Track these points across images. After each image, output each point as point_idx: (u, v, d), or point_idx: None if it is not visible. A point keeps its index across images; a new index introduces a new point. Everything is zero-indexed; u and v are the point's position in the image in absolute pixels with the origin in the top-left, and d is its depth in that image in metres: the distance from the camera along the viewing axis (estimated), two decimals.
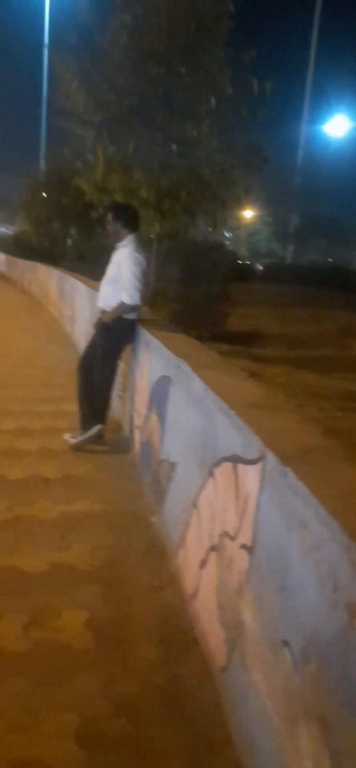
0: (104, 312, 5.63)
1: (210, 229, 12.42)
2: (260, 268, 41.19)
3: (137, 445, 5.24)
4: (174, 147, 11.01)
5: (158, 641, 2.97)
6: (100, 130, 11.19)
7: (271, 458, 2.25)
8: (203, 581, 3.01)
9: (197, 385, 3.46)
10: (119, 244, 5.61)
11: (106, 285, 5.66)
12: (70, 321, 12.05)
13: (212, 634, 2.76)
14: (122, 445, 5.71)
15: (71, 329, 11.88)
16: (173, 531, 3.73)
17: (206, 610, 2.91)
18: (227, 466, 2.77)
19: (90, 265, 16.21)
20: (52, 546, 3.79)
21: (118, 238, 5.59)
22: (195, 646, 2.91)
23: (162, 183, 10.83)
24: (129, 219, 5.60)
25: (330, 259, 47.52)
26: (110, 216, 5.61)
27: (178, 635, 3.00)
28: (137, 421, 5.34)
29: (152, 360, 4.93)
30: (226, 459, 2.80)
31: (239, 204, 12.11)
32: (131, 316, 5.58)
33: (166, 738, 2.39)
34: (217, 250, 13.29)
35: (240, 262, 36.38)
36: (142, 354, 5.35)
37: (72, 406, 6.65)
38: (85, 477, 4.92)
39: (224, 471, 2.82)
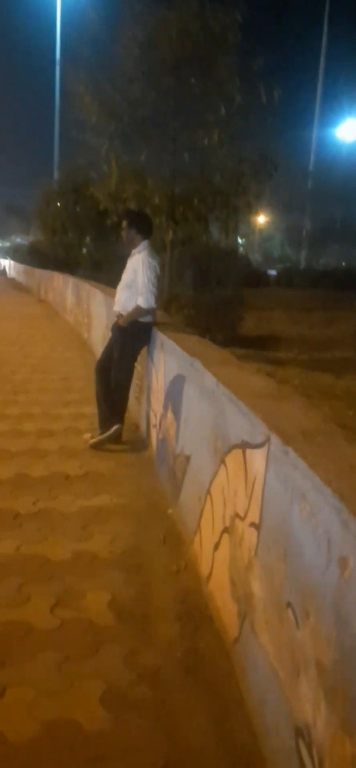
0: (120, 316, 5.87)
1: (225, 236, 12.62)
2: (274, 273, 41.35)
3: (154, 443, 5.47)
4: (186, 155, 11.27)
5: (176, 619, 3.19)
6: (113, 140, 11.47)
7: (275, 439, 2.46)
8: (216, 562, 3.22)
9: (209, 380, 3.68)
10: (134, 251, 5.86)
11: (122, 290, 5.91)
12: (87, 328, 12.32)
13: (225, 610, 2.97)
14: (140, 444, 5.93)
15: (88, 336, 12.15)
16: (188, 520, 3.94)
17: (219, 589, 3.12)
18: (237, 452, 2.99)
19: (105, 272, 16.51)
20: (75, 537, 4.02)
21: (132, 245, 5.84)
22: (210, 623, 3.12)
23: (175, 190, 11.08)
24: (143, 225, 5.85)
25: (344, 263, 47.46)
26: (124, 223, 5.87)
27: (194, 613, 3.22)
28: (154, 420, 5.56)
29: (167, 360, 5.15)
30: (236, 446, 3.01)
31: (251, 210, 12.32)
32: (147, 319, 5.81)
33: (184, 701, 2.61)
34: (230, 256, 13.51)
35: (254, 267, 36.49)
36: (157, 355, 5.58)
37: (91, 409, 6.92)
38: (104, 474, 5.15)
39: (234, 457, 3.03)
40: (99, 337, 10.27)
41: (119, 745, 2.36)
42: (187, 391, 4.31)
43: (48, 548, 3.84)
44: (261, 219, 45.59)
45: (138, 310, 5.70)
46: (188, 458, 4.11)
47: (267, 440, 2.54)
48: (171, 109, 11.46)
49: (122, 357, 5.86)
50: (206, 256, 12.35)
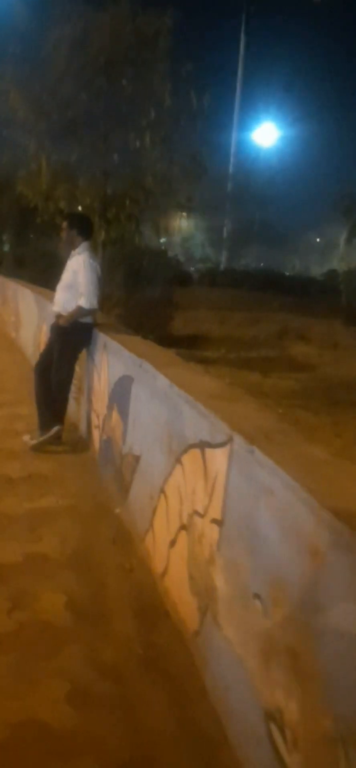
0: (60, 316, 5.85)
1: (155, 236, 12.73)
2: (193, 271, 41.68)
3: (97, 444, 5.49)
4: (116, 156, 11.29)
5: (133, 616, 3.25)
6: (42, 139, 11.34)
7: (238, 439, 2.57)
8: (172, 559, 3.30)
9: (161, 381, 3.76)
10: (74, 252, 5.86)
11: (62, 291, 5.89)
12: (15, 327, 12.11)
13: (184, 604, 3.06)
14: (80, 445, 5.94)
15: (16, 335, 11.94)
16: (139, 519, 4.01)
17: (176, 584, 3.20)
18: (194, 452, 3.08)
19: (28, 270, 16.24)
20: (24, 539, 4.00)
21: (72, 246, 5.84)
22: (167, 618, 3.20)
23: (106, 191, 11.09)
24: (83, 227, 5.88)
25: (262, 264, 48.57)
26: (64, 224, 5.87)
27: (150, 610, 3.29)
28: (96, 421, 5.58)
29: (111, 361, 5.19)
30: (193, 446, 3.10)
31: (182, 212, 12.48)
32: (87, 320, 5.83)
33: (147, 694, 2.68)
34: (160, 256, 13.63)
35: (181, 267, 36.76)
36: (99, 356, 5.60)
37: (27, 409, 6.84)
38: (48, 475, 5.13)
39: (192, 457, 3.13)
40: (30, 337, 10.15)
41: (86, 740, 2.41)
42: (135, 393, 4.37)
43: None
44: (183, 220, 45.88)
45: (80, 311, 5.70)
46: (137, 458, 4.17)
47: (230, 440, 2.64)
48: (102, 110, 11.44)
49: (63, 357, 5.85)
50: (137, 256, 12.42)
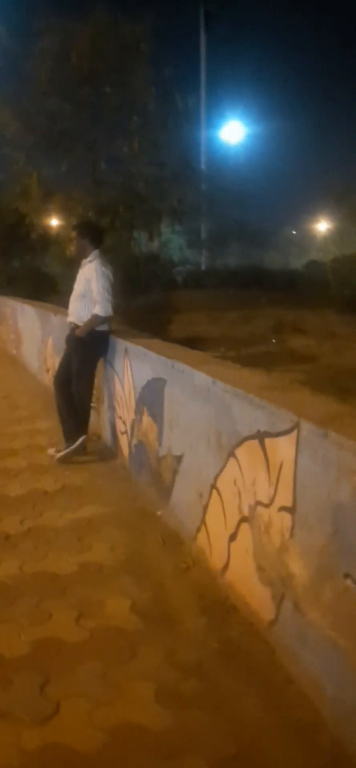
0: (75, 327, 5.85)
1: (149, 241, 12.75)
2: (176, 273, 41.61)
3: (126, 450, 5.50)
4: (103, 165, 11.35)
5: (200, 613, 3.26)
6: (31, 153, 11.35)
7: (306, 425, 2.60)
8: (234, 553, 3.32)
9: (202, 379, 3.79)
10: (85, 261, 5.88)
11: (75, 301, 5.90)
12: (15, 344, 12.08)
13: (253, 596, 3.08)
14: (106, 453, 5.94)
15: (17, 352, 11.92)
16: (186, 518, 4.02)
17: (241, 577, 3.22)
18: (251, 443, 3.11)
19: (18, 287, 16.20)
20: (74, 549, 4.01)
21: (84, 255, 5.86)
22: (235, 612, 3.22)
23: (100, 199, 11.11)
24: (94, 235, 5.92)
25: (240, 262, 48.50)
26: (75, 234, 5.89)
27: (216, 605, 3.30)
28: (122, 427, 5.59)
29: (135, 366, 5.20)
30: (249, 437, 3.13)
31: (175, 215, 12.54)
32: (103, 327, 5.84)
33: (233, 688, 2.69)
34: (154, 261, 13.67)
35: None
36: (120, 362, 5.61)
37: (45, 423, 6.87)
38: (81, 485, 5.14)
39: (248, 449, 3.15)
40: (34, 353, 10.13)
41: (187, 738, 2.42)
42: (170, 394, 4.38)
43: (51, 564, 3.81)
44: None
45: (95, 319, 5.71)
46: (178, 458, 4.19)
47: (296, 427, 2.67)
48: (89, 119, 11.47)
49: (82, 368, 5.85)
50: (133, 262, 12.45)
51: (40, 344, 9.57)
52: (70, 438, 5.79)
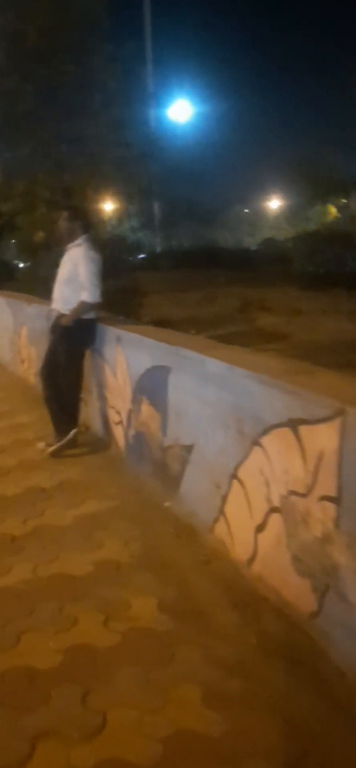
0: (61, 315, 5.65)
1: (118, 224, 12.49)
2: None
3: (121, 441, 5.36)
4: (69, 146, 11.03)
5: (231, 607, 3.17)
6: None
7: (353, 411, 2.52)
8: (262, 544, 3.24)
9: (215, 365, 3.68)
10: (72, 245, 5.67)
11: (61, 286, 5.69)
12: None
13: (289, 588, 3.01)
14: (98, 445, 5.79)
15: None
16: (200, 509, 3.92)
17: (273, 569, 3.15)
18: (282, 431, 3.02)
19: None
20: (85, 547, 3.86)
21: (72, 238, 5.66)
22: (267, 604, 3.13)
23: (66, 182, 10.81)
24: (85, 219, 5.72)
25: (192, 242, 48.34)
26: (66, 215, 5.69)
27: (246, 598, 3.21)
28: (116, 418, 5.44)
29: (130, 354, 5.06)
30: (279, 425, 3.04)
31: (142, 196, 12.30)
32: (91, 315, 5.66)
33: (283, 685, 2.61)
34: (121, 244, 13.44)
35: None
36: (111, 351, 5.45)
37: (27, 416, 6.68)
38: (78, 480, 4.98)
39: (277, 437, 3.07)
40: (5, 344, 9.83)
41: (246, 742, 2.33)
42: (175, 382, 4.26)
43: (65, 565, 3.66)
44: (109, 206, 45.42)
45: (83, 306, 5.52)
46: (188, 448, 4.08)
47: (340, 413, 2.59)
48: (49, 100, 11.11)
49: (70, 358, 5.66)
50: (101, 246, 12.17)
51: (13, 334, 9.30)
52: (61, 431, 5.61)
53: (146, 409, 4.76)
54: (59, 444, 5.55)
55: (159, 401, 4.50)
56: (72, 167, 11.24)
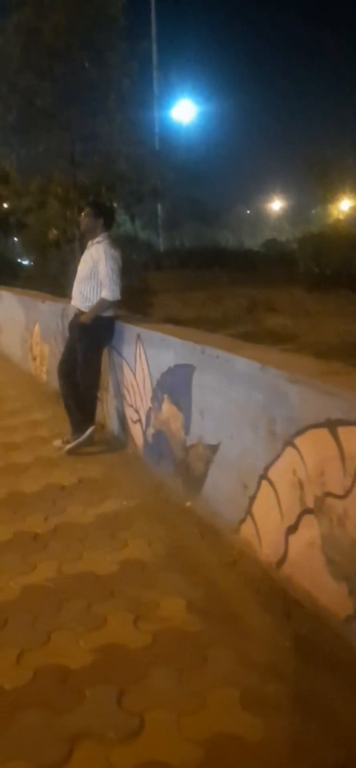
0: (80, 312, 5.61)
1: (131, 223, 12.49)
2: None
3: (139, 439, 5.31)
4: (84, 144, 10.99)
5: (262, 609, 3.13)
6: (7, 134, 10.91)
7: None
8: (294, 545, 3.20)
9: (245, 364, 3.64)
10: (92, 242, 5.64)
11: (80, 283, 5.64)
12: None
13: (323, 590, 2.97)
14: (114, 443, 5.75)
15: None
16: (225, 509, 3.88)
17: (305, 571, 3.10)
18: (318, 432, 2.97)
19: None
20: (109, 547, 3.83)
21: (93, 235, 5.62)
22: (299, 607, 3.09)
23: (82, 180, 10.76)
24: (109, 217, 5.67)
25: (195, 242, 48.27)
26: (89, 211, 5.64)
27: (276, 600, 3.17)
28: (134, 416, 5.40)
29: (151, 352, 5.02)
30: (316, 426, 3.00)
31: (156, 196, 12.27)
32: (109, 312, 5.62)
33: (322, 689, 2.56)
34: (133, 243, 13.40)
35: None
36: (130, 349, 5.41)
37: (41, 414, 6.66)
38: (98, 478, 4.95)
39: (313, 438, 3.02)
40: (16, 341, 9.80)
41: (290, 748, 2.29)
42: (200, 381, 4.22)
43: (90, 564, 3.63)
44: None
45: (103, 303, 5.49)
46: (213, 447, 4.04)
47: None
48: (65, 97, 11.06)
49: (88, 356, 5.63)
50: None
51: (24, 332, 9.26)
52: (78, 429, 5.57)
53: (167, 407, 4.72)
54: (76, 442, 5.51)
55: (182, 400, 4.46)
56: (86, 165, 11.19)
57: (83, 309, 5.59)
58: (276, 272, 22.47)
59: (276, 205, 53.73)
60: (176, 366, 4.57)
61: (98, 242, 5.57)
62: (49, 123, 10.98)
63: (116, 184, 11.07)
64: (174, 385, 4.61)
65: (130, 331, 5.43)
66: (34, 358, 8.65)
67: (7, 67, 10.54)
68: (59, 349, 7.16)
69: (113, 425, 5.98)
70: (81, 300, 5.62)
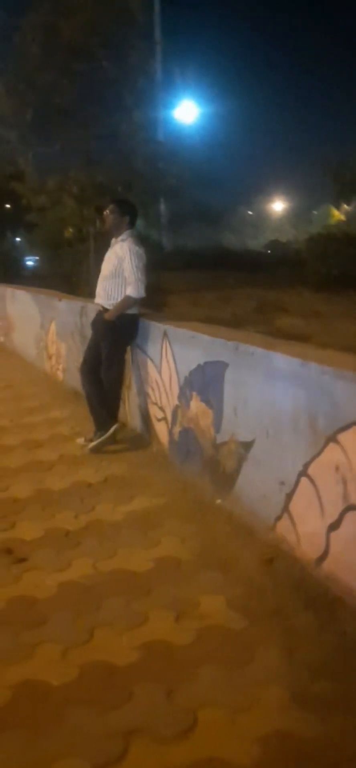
0: (104, 310, 5.59)
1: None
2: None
3: (165, 437, 5.28)
4: (101, 142, 10.98)
5: (304, 607, 3.09)
6: (24, 132, 10.89)
7: None
8: (336, 542, 3.16)
9: (284, 361, 3.61)
10: (116, 239, 5.61)
11: (105, 281, 5.62)
12: (4, 331, 11.67)
13: None
14: (138, 441, 5.72)
15: (6, 338, 11.52)
16: (260, 507, 3.84)
17: (349, 568, 3.07)
18: None
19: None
20: (142, 544, 3.79)
21: (118, 233, 5.60)
22: (342, 604, 3.05)
23: (98, 178, 10.74)
24: (133, 215, 5.65)
25: (197, 242, 48.21)
26: (114, 208, 5.61)
27: (319, 598, 3.13)
28: (160, 414, 5.37)
29: (178, 349, 4.99)
30: None
31: (173, 195, 12.23)
32: (134, 310, 5.60)
33: None
34: (145, 242, 13.33)
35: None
36: (156, 347, 5.38)
37: (60, 412, 6.63)
38: (124, 476, 4.92)
39: None
40: (30, 340, 9.77)
41: (343, 744, 2.25)
42: (233, 378, 4.18)
43: (125, 561, 3.60)
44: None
45: (127, 301, 5.46)
46: (247, 444, 4.00)
47: None
48: (84, 95, 11.04)
49: (113, 354, 5.60)
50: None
51: (39, 330, 9.23)
52: (101, 427, 5.54)
53: (196, 405, 4.69)
54: (100, 440, 5.48)
55: (213, 397, 4.43)
56: (103, 163, 11.16)
57: (107, 307, 5.56)
58: (283, 273, 22.44)
59: (278, 206, 53.71)
60: (206, 363, 4.54)
61: (123, 240, 5.54)
62: (67, 121, 10.96)
63: (132, 183, 11.02)
64: (204, 383, 4.58)
65: (156, 328, 5.41)
66: (50, 357, 8.62)
67: (26, 64, 10.52)
68: (78, 347, 7.14)
69: (136, 423, 5.95)
70: (105, 297, 5.59)
